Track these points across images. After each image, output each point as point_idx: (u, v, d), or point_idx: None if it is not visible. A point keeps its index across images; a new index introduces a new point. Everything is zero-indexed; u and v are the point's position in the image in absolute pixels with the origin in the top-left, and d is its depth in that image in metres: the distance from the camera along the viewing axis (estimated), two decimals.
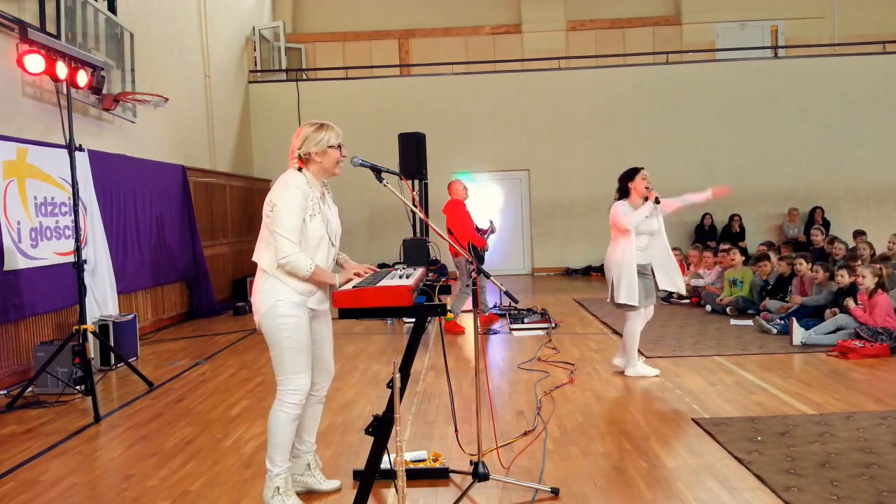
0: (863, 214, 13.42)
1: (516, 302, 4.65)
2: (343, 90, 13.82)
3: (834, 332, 6.45)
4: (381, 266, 3.65)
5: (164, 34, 9.61)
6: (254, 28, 13.72)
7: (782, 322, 7.04)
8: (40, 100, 6.58)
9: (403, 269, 3.48)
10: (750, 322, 7.69)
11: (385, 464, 3.17)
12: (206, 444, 4.31)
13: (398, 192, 3.51)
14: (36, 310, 6.16)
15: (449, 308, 3.09)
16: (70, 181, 5.54)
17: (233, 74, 12.70)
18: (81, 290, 5.48)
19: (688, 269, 10.12)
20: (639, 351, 5.83)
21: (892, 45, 13.62)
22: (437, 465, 3.71)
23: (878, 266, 6.69)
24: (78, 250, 5.46)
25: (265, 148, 13.45)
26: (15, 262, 5.88)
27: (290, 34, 14.79)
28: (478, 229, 8.06)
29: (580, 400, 5.02)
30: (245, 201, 12.06)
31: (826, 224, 12.83)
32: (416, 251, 8.26)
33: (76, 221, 5.45)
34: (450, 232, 7.75)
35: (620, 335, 6.37)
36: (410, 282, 3.03)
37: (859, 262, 7.27)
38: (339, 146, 3.26)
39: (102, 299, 6.96)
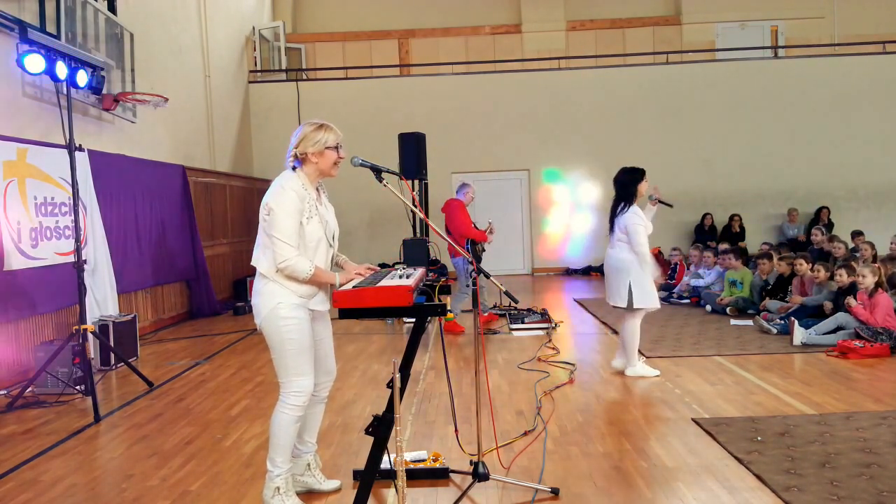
0: (863, 215, 13.43)
1: (516, 302, 4.65)
2: (343, 90, 13.82)
3: (834, 331, 6.45)
4: (381, 266, 3.64)
5: (164, 34, 9.61)
6: (254, 28, 13.72)
7: (782, 322, 7.04)
8: (40, 100, 6.58)
9: (403, 269, 3.48)
10: (750, 322, 7.69)
11: (385, 464, 3.17)
12: (206, 444, 4.31)
13: (398, 192, 3.50)
14: (36, 310, 6.16)
15: (448, 308, 3.09)
16: (70, 181, 5.54)
17: (233, 74, 12.70)
18: (81, 290, 5.48)
19: (688, 269, 10.12)
20: (639, 351, 5.84)
21: (892, 45, 13.62)
22: (437, 465, 3.70)
23: (877, 265, 6.69)
24: (78, 250, 5.46)
25: (265, 148, 13.45)
26: (15, 261, 5.88)
27: (290, 34, 14.79)
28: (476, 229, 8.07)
29: (580, 400, 5.02)
30: (245, 201, 12.07)
31: (829, 224, 12.82)
32: (416, 251, 8.27)
33: (76, 221, 5.45)
34: (448, 232, 7.75)
35: (618, 332, 6.33)
36: (410, 282, 3.03)
37: (859, 262, 7.27)
38: (338, 147, 3.24)
39: (102, 299, 6.97)
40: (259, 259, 3.21)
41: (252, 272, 3.29)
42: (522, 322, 8.02)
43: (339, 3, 15.29)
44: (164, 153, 9.29)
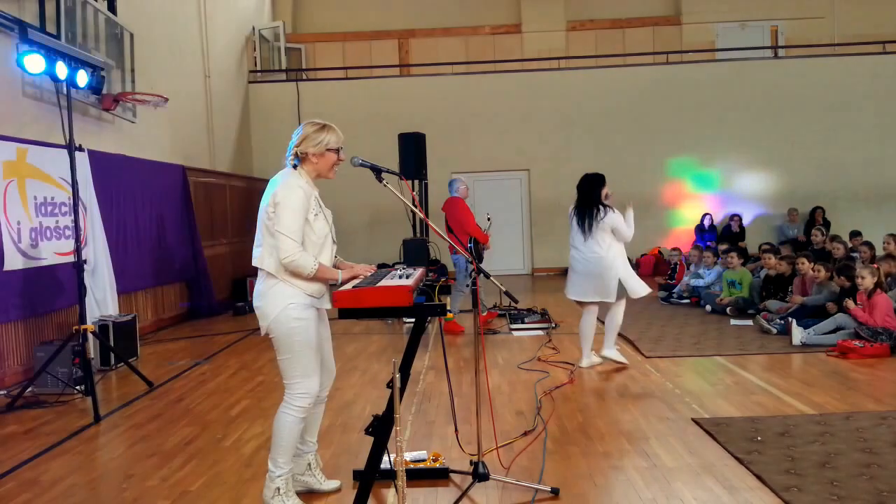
0: (862, 215, 13.42)
1: (516, 302, 4.65)
2: (343, 90, 13.82)
3: (833, 331, 6.45)
4: (381, 266, 3.64)
5: (164, 34, 9.61)
6: (254, 28, 13.72)
7: (782, 322, 7.03)
8: (40, 100, 6.58)
9: (403, 269, 3.48)
10: (750, 322, 7.69)
11: (385, 464, 3.17)
12: (206, 444, 4.31)
13: (398, 192, 3.50)
14: (36, 310, 6.16)
15: (448, 308, 3.08)
16: (70, 181, 5.53)
17: (233, 74, 12.70)
18: (81, 290, 5.48)
19: (688, 269, 10.12)
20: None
21: (892, 45, 13.62)
22: (437, 465, 3.70)
23: (875, 266, 6.69)
24: (78, 250, 5.46)
25: (265, 148, 13.45)
26: (15, 262, 5.88)
27: (289, 34, 14.79)
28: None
29: (580, 400, 5.02)
30: (245, 201, 12.06)
31: (826, 224, 12.83)
32: (416, 251, 8.27)
33: (76, 221, 5.45)
34: (449, 230, 7.75)
35: (619, 334, 6.53)
36: (410, 282, 3.03)
37: (857, 262, 7.27)
38: (338, 150, 3.23)
39: (102, 299, 6.96)
40: (264, 259, 3.16)
41: (252, 272, 3.28)
42: (522, 322, 8.03)
43: (339, 4, 15.28)
44: (164, 153, 9.29)
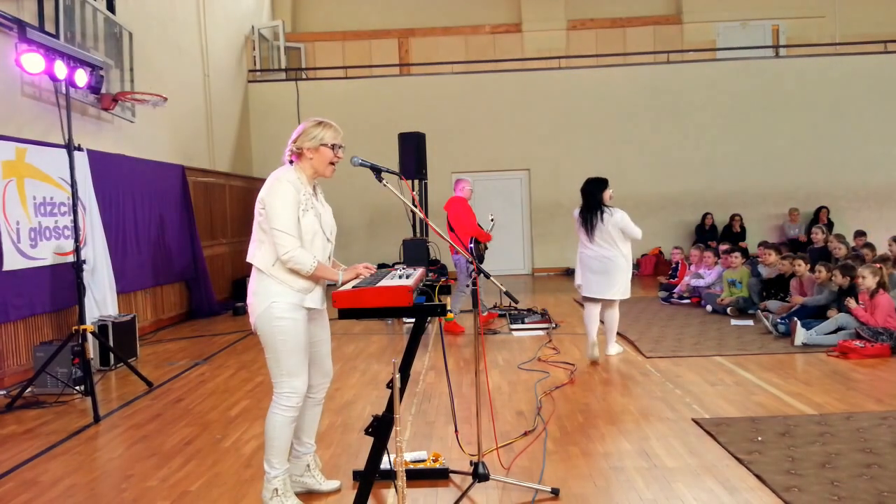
0: (864, 214, 13.42)
1: (516, 302, 4.64)
2: (343, 90, 13.81)
3: (835, 332, 6.44)
4: (381, 266, 3.63)
5: (163, 33, 9.60)
6: (253, 27, 13.71)
7: (783, 323, 7.02)
8: (39, 99, 6.57)
9: (403, 269, 3.47)
10: (750, 322, 7.68)
11: (385, 464, 3.16)
12: (206, 444, 4.30)
13: (398, 191, 3.49)
14: (35, 310, 6.16)
15: (448, 308, 3.07)
16: (69, 181, 5.53)
17: (232, 74, 12.69)
18: (81, 290, 5.47)
19: (689, 268, 10.12)
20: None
21: (893, 45, 13.61)
22: (437, 465, 3.70)
23: (878, 266, 6.67)
24: (77, 250, 5.45)
25: (264, 148, 13.44)
26: (14, 262, 5.87)
27: (289, 33, 14.78)
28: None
29: (580, 400, 5.01)
30: (244, 201, 12.06)
31: (829, 224, 12.82)
32: (416, 251, 8.26)
33: (75, 221, 5.44)
34: (450, 229, 7.74)
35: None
36: (410, 282, 3.02)
37: (857, 262, 7.25)
38: (334, 147, 3.20)
39: (102, 299, 6.96)
40: (254, 254, 3.16)
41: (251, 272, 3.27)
42: (522, 322, 8.02)
43: (339, 3, 15.27)
44: (163, 153, 9.28)
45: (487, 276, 3.36)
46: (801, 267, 7.64)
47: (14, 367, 5.93)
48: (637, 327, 7.62)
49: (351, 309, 2.96)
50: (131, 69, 8.21)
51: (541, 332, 7.63)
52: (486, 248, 8.07)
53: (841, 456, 3.69)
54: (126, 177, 7.99)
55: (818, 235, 9.80)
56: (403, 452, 3.23)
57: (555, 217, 13.88)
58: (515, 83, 13.80)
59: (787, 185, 13.68)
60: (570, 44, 14.95)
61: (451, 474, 3.65)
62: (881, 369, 5.63)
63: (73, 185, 5.45)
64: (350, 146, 3.32)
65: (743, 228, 13.25)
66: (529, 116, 13.74)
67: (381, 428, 3.02)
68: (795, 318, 6.72)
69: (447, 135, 13.06)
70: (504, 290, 3.59)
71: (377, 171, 3.30)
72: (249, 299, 3.21)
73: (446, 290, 3.20)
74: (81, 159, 6.77)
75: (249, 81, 13.67)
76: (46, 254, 6.30)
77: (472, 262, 3.37)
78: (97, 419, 4.85)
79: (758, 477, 3.48)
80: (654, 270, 13.22)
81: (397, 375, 2.87)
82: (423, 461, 3.73)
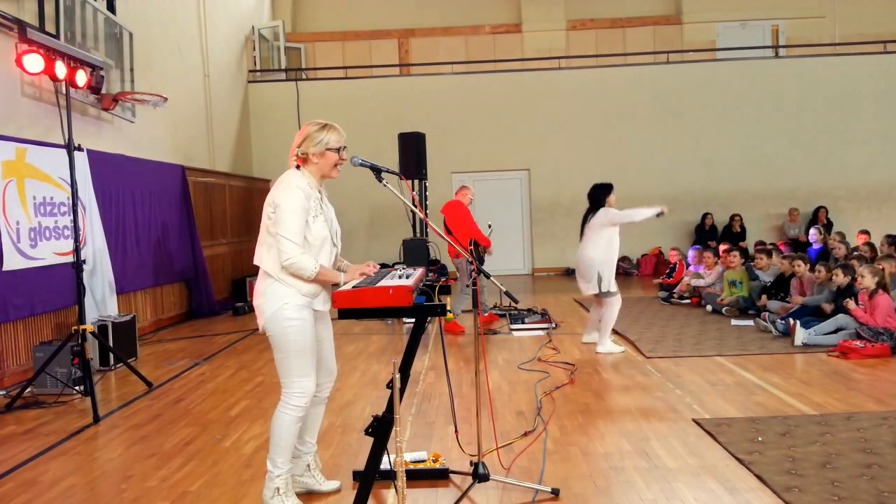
0: (863, 214, 13.43)
1: (516, 302, 4.64)
2: (343, 90, 13.80)
3: (835, 332, 6.43)
4: (382, 266, 3.63)
5: (164, 34, 9.60)
6: (253, 27, 13.71)
7: (783, 323, 7.02)
8: (39, 99, 6.57)
9: (403, 269, 3.47)
10: (750, 322, 7.67)
11: (385, 464, 3.16)
12: (206, 444, 4.30)
13: (398, 192, 3.49)
14: (35, 310, 6.15)
15: (448, 308, 3.07)
16: (69, 181, 5.52)
17: (232, 74, 12.69)
18: (80, 290, 5.47)
19: (687, 268, 10.12)
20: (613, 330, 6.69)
21: (893, 45, 13.61)
22: (437, 465, 3.69)
23: (879, 265, 6.67)
24: (77, 250, 5.45)
25: (264, 148, 13.43)
26: (14, 262, 5.86)
27: (289, 34, 14.78)
28: None
29: (580, 400, 5.01)
30: (244, 201, 12.05)
31: (829, 224, 12.82)
32: (416, 251, 8.25)
33: (75, 221, 5.44)
34: (449, 232, 7.75)
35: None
36: (410, 282, 3.02)
37: (854, 261, 7.25)
38: (339, 149, 3.22)
39: (101, 299, 6.96)
40: (263, 258, 3.18)
41: (253, 272, 3.28)
42: (523, 322, 8.01)
43: (339, 3, 15.27)
44: (163, 153, 9.28)
45: (487, 275, 3.37)
46: (801, 267, 7.64)
47: (14, 368, 5.93)
48: (637, 327, 7.62)
49: (351, 309, 2.97)
50: (131, 69, 8.21)
51: (541, 333, 7.63)
52: (486, 252, 8.06)
53: (841, 456, 3.69)
54: (126, 177, 7.99)
55: (817, 236, 9.80)
56: (403, 453, 3.23)
57: (555, 217, 13.88)
58: (515, 83, 13.80)
59: (786, 185, 13.68)
60: (569, 44, 14.95)
61: (451, 474, 3.65)
62: (881, 369, 5.63)
63: (73, 185, 5.45)
64: (350, 146, 3.33)
65: (743, 228, 13.25)
66: (529, 116, 13.74)
67: (381, 428, 3.02)
68: (793, 319, 6.71)
69: (447, 135, 13.06)
70: (504, 290, 3.59)
71: (377, 171, 3.30)
72: (257, 301, 3.20)
73: (446, 290, 3.21)
74: (81, 159, 6.76)
75: (249, 82, 13.67)
76: (46, 254, 6.29)
77: (471, 262, 3.37)
78: (97, 419, 4.85)
79: (758, 477, 3.48)
80: (653, 270, 13.22)
81: (397, 375, 2.87)
82: (423, 461, 3.73)
